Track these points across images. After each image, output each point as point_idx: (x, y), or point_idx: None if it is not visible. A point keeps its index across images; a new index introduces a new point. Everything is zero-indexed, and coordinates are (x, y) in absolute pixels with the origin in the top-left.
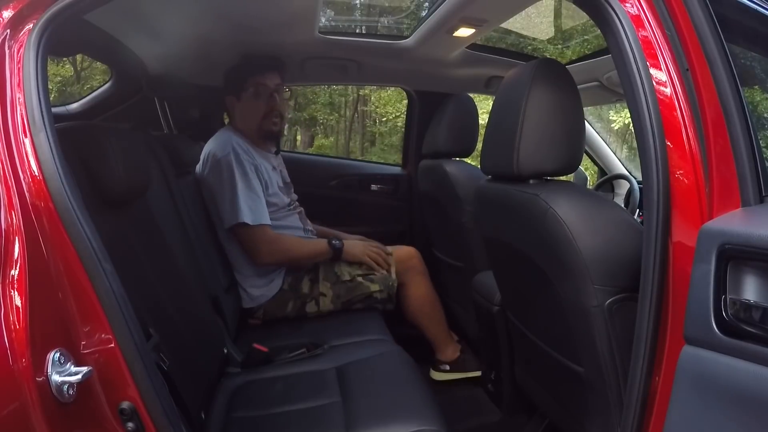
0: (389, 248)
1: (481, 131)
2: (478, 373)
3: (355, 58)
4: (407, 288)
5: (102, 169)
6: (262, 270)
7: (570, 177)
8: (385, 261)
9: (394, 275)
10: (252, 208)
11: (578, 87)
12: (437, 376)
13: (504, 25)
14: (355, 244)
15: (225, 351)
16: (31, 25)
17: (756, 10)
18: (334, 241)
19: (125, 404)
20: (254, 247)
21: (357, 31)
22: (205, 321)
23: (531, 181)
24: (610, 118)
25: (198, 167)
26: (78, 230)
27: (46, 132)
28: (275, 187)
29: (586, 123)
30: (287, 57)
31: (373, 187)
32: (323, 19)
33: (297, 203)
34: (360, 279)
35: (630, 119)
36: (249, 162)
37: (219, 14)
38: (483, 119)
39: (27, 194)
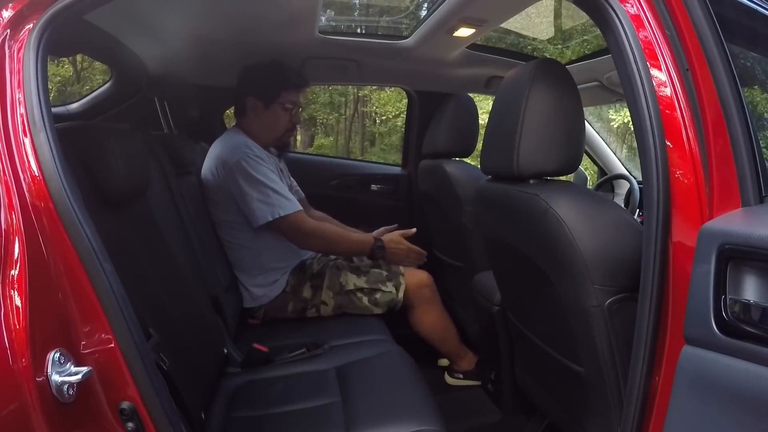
0: (401, 269)
1: (481, 131)
2: None
3: (355, 58)
4: (417, 313)
5: (102, 169)
6: (266, 270)
7: (570, 177)
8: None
9: (401, 296)
10: (282, 201)
11: (578, 87)
12: (451, 381)
13: (504, 25)
14: (396, 252)
15: (225, 351)
16: (31, 25)
17: (756, 10)
18: (378, 245)
19: (125, 404)
20: (299, 233)
21: (357, 31)
22: (205, 321)
23: (531, 181)
24: (610, 117)
25: (206, 171)
26: (78, 230)
27: (46, 132)
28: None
29: (586, 123)
30: (287, 57)
31: (373, 187)
32: (323, 19)
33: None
34: (365, 300)
35: (629, 118)
36: (266, 159)
37: (219, 14)
38: (483, 119)
39: (27, 194)
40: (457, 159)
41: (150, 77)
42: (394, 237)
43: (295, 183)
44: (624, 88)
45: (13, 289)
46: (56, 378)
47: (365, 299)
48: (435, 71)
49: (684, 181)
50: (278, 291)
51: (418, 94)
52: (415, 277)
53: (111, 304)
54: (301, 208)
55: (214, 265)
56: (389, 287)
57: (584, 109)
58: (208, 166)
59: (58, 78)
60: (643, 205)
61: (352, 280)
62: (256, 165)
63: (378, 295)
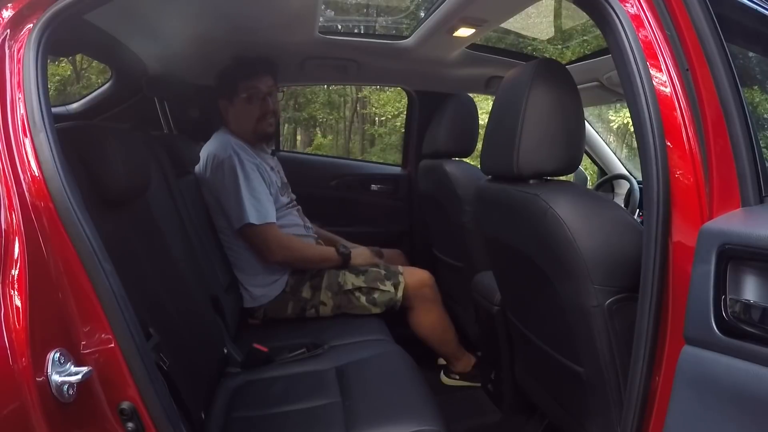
0: (400, 268)
1: (481, 131)
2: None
3: (355, 58)
4: (416, 314)
5: (102, 169)
6: (266, 270)
7: (570, 177)
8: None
9: (400, 295)
10: (257, 208)
11: (578, 87)
12: (446, 381)
13: (504, 25)
14: (361, 254)
15: (225, 351)
16: (31, 25)
17: (756, 10)
18: (342, 249)
19: (125, 404)
20: (264, 246)
21: (357, 31)
22: (205, 321)
23: (531, 181)
24: (609, 117)
25: (198, 168)
26: (78, 230)
27: (46, 132)
28: (275, 187)
29: (586, 123)
30: (287, 57)
31: (373, 187)
32: (323, 19)
33: (295, 201)
34: (363, 300)
35: (629, 118)
36: (250, 161)
37: (219, 15)
38: (483, 119)
39: (27, 194)
40: (457, 159)
41: (150, 77)
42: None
43: (287, 182)
44: (624, 88)
45: (13, 289)
46: (56, 378)
47: (363, 299)
48: (435, 71)
49: (684, 181)
50: (278, 291)
51: (418, 94)
52: (415, 276)
53: (111, 304)
54: (273, 220)
55: (214, 265)
56: (387, 286)
57: (584, 109)
58: (199, 165)
59: (58, 78)
60: (643, 205)
61: (351, 280)
62: (238, 167)
63: (376, 295)
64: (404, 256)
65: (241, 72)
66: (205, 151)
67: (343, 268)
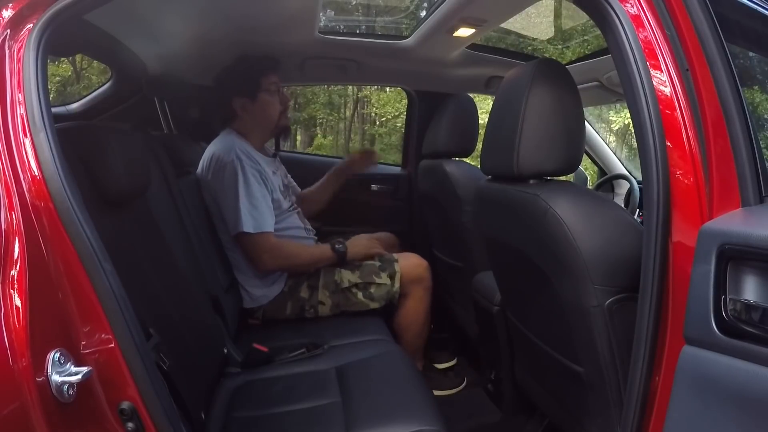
0: (395, 255)
1: (481, 131)
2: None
3: (355, 58)
4: (406, 300)
5: (102, 169)
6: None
7: (570, 177)
8: (392, 245)
9: (397, 285)
10: (254, 216)
11: (578, 87)
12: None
13: (504, 25)
14: (358, 243)
15: (225, 351)
16: (31, 25)
17: (756, 10)
18: (337, 246)
19: (125, 404)
20: (256, 254)
21: (357, 31)
22: (205, 321)
23: (531, 181)
24: (610, 118)
25: (200, 169)
26: (78, 230)
27: (46, 132)
28: (277, 192)
29: (586, 123)
30: (287, 57)
31: (374, 187)
32: (323, 19)
33: (296, 204)
34: (360, 296)
35: (630, 119)
36: (253, 167)
37: (219, 15)
38: (483, 119)
39: (27, 194)
40: (457, 159)
41: (150, 77)
42: (357, 235)
43: (292, 181)
44: (624, 88)
45: (13, 289)
46: (56, 378)
47: (360, 294)
48: (435, 71)
49: (684, 181)
50: (277, 291)
51: (418, 94)
52: (410, 261)
53: (111, 304)
54: (269, 230)
55: (214, 265)
56: (383, 278)
57: (584, 109)
58: (201, 166)
59: (58, 78)
60: (643, 205)
61: (347, 276)
62: (239, 172)
63: (372, 289)
64: (397, 240)
65: (259, 68)
66: (209, 152)
67: (340, 265)
